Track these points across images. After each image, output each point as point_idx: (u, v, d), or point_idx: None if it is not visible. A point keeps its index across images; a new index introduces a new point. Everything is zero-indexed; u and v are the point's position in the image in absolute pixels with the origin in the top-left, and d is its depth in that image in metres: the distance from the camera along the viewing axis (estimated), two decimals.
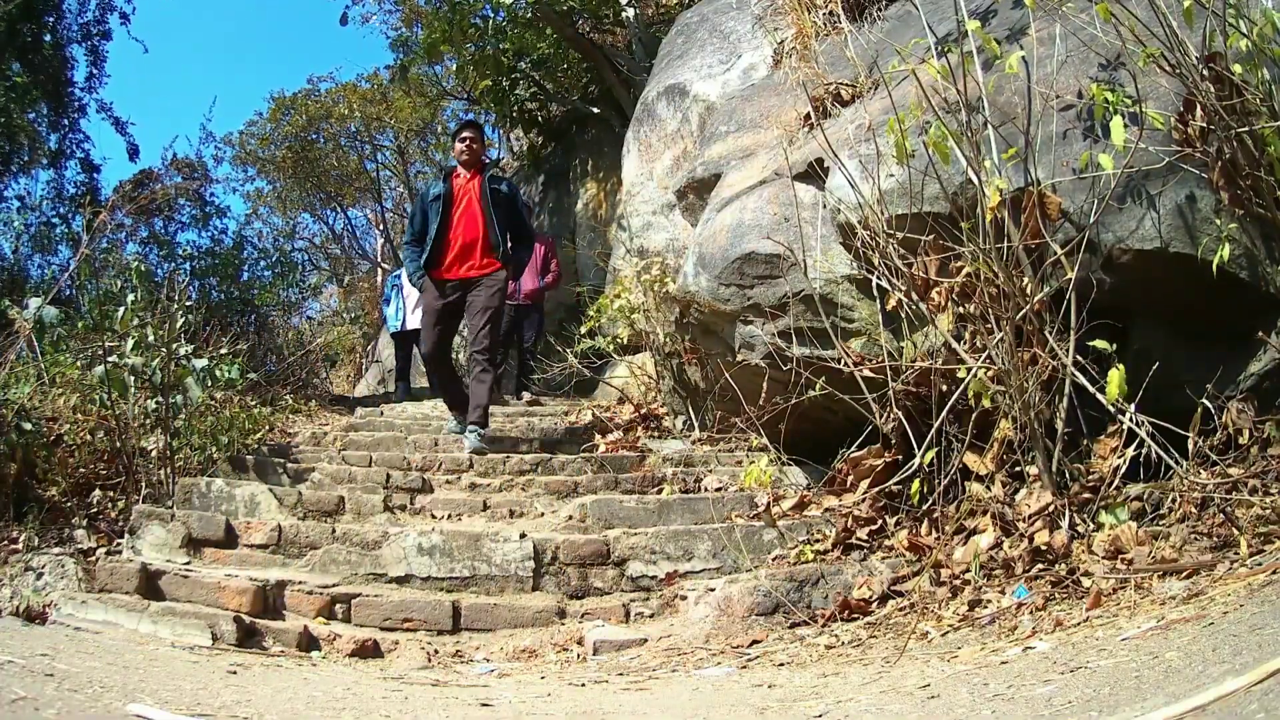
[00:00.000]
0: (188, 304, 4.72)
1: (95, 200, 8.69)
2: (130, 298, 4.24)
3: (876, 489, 3.28)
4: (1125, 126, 2.59)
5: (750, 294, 3.88)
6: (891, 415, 3.15)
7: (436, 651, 2.67)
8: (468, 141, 5.20)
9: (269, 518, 3.44)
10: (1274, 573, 1.96)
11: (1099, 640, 1.87)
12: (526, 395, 7.39)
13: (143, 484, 3.89)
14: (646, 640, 2.69)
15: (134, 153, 10.05)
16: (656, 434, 5.62)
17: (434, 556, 3.07)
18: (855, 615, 2.67)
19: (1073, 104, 2.90)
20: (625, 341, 6.27)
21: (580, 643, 2.72)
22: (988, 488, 2.88)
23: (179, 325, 4.21)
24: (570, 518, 3.64)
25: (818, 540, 3.21)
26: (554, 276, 7.70)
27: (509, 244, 5.00)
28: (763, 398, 3.70)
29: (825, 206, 3.64)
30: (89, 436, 4.12)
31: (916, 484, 2.85)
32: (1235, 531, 2.31)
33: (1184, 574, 2.19)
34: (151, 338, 4.12)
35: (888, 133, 2.92)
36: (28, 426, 3.72)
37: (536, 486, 4.15)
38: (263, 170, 16.14)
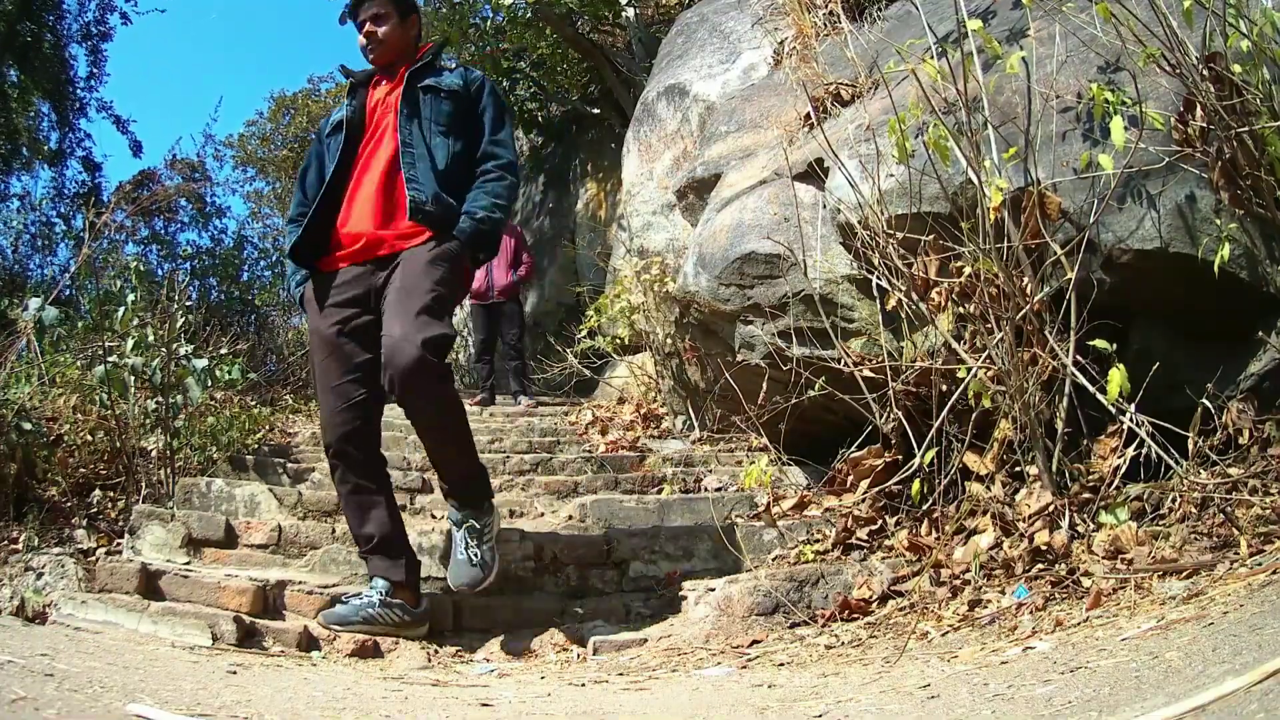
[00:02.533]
0: (188, 304, 4.73)
1: (97, 199, 8.72)
2: (130, 298, 4.25)
3: (876, 489, 3.27)
4: (1125, 126, 2.59)
5: (750, 294, 3.88)
6: (891, 415, 3.15)
7: (436, 651, 2.67)
8: (364, 24, 2.92)
9: (269, 518, 3.44)
10: (1274, 573, 1.96)
11: (1099, 640, 1.87)
12: (525, 400, 7.37)
13: (143, 484, 3.90)
14: (646, 640, 2.69)
15: (137, 149, 10.12)
16: (656, 434, 5.62)
17: (434, 556, 3.07)
18: (855, 615, 2.67)
19: (1072, 104, 2.90)
20: (625, 341, 6.28)
21: (580, 643, 2.72)
22: (988, 488, 2.88)
23: (179, 325, 4.22)
24: (570, 518, 3.64)
25: (818, 540, 3.21)
26: (527, 268, 7.65)
27: (460, 181, 2.78)
28: (762, 398, 3.70)
29: (825, 206, 3.64)
30: (89, 436, 4.12)
31: (916, 484, 2.85)
32: (1235, 531, 2.30)
33: (1184, 574, 2.19)
34: (151, 338, 4.13)
35: (888, 133, 2.92)
36: (28, 426, 3.72)
37: (536, 486, 4.15)
38: (263, 171, 16.15)
